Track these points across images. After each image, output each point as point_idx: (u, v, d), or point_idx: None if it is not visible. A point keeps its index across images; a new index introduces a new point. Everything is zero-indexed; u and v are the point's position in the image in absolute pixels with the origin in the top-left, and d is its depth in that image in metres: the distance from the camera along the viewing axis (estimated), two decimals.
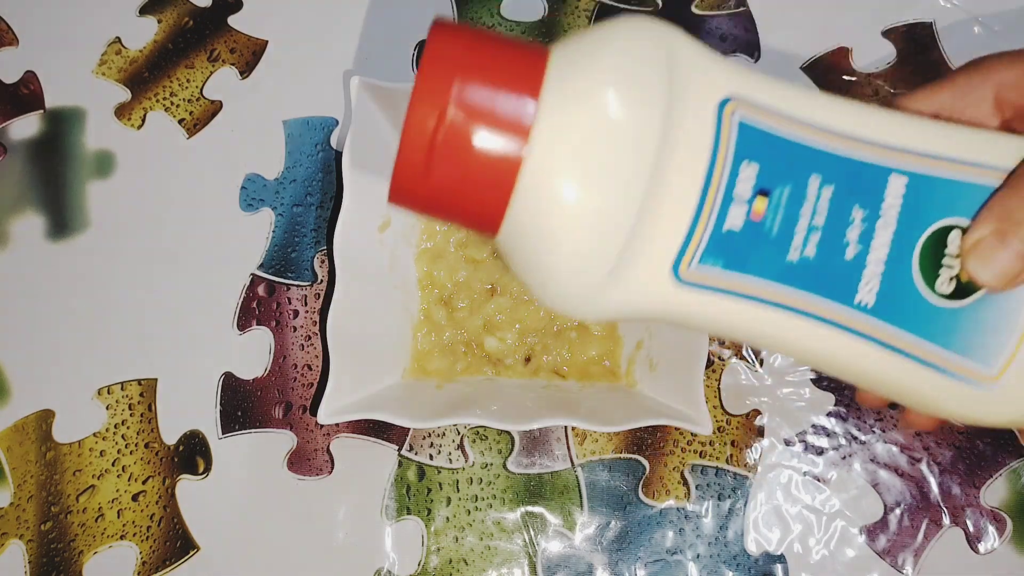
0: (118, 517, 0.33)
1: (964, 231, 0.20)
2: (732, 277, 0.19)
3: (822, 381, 0.34)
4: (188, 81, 0.37)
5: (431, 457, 0.34)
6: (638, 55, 0.18)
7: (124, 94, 0.37)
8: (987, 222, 0.20)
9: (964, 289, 0.20)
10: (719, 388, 0.34)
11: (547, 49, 0.19)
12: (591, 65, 0.18)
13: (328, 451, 0.34)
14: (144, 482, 0.34)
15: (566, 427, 0.34)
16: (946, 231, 0.20)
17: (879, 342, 0.20)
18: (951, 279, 0.20)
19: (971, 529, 0.33)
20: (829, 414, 0.34)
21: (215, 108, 0.37)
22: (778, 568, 0.33)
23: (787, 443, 0.34)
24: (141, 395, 0.34)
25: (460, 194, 0.18)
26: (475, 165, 0.18)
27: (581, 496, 0.33)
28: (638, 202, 0.18)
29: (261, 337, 0.35)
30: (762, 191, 0.19)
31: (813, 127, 0.19)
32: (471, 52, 0.18)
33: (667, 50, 0.18)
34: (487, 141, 0.17)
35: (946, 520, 0.33)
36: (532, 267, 0.19)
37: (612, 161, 0.18)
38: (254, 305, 0.35)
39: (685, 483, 0.33)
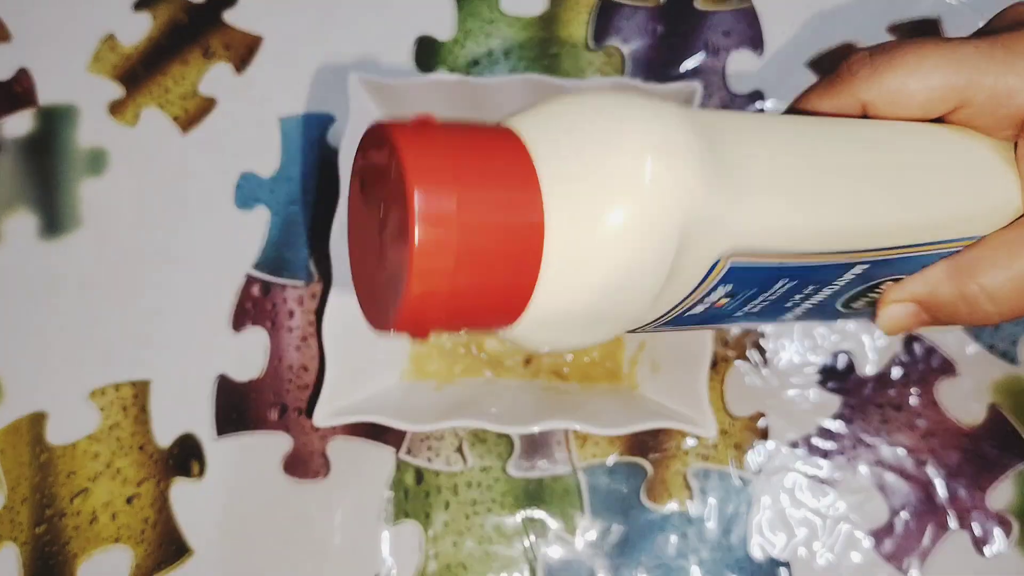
0: (112, 520, 0.33)
1: (896, 280, 0.22)
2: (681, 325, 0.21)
3: (828, 383, 0.34)
4: (183, 78, 0.36)
5: (429, 460, 0.33)
6: (656, 228, 0.17)
7: (118, 91, 0.36)
8: (913, 295, 0.22)
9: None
10: (723, 390, 0.33)
11: (529, 157, 0.17)
12: (600, 229, 0.16)
13: (324, 454, 0.33)
14: (138, 485, 0.33)
15: (567, 430, 0.33)
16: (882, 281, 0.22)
17: None
18: (867, 304, 0.23)
19: (977, 532, 0.32)
20: (835, 416, 0.33)
21: (209, 105, 0.36)
22: (783, 573, 0.32)
23: (792, 446, 0.33)
24: (135, 396, 0.34)
25: (475, 315, 0.17)
26: (488, 305, 0.17)
27: (582, 500, 0.33)
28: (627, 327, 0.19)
29: (256, 338, 0.34)
30: (728, 294, 0.20)
31: (797, 254, 0.19)
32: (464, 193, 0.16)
33: (683, 214, 0.17)
34: (500, 274, 0.16)
35: (952, 523, 0.32)
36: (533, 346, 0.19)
37: (616, 304, 0.17)
38: (249, 305, 0.34)
39: (688, 487, 0.33)
